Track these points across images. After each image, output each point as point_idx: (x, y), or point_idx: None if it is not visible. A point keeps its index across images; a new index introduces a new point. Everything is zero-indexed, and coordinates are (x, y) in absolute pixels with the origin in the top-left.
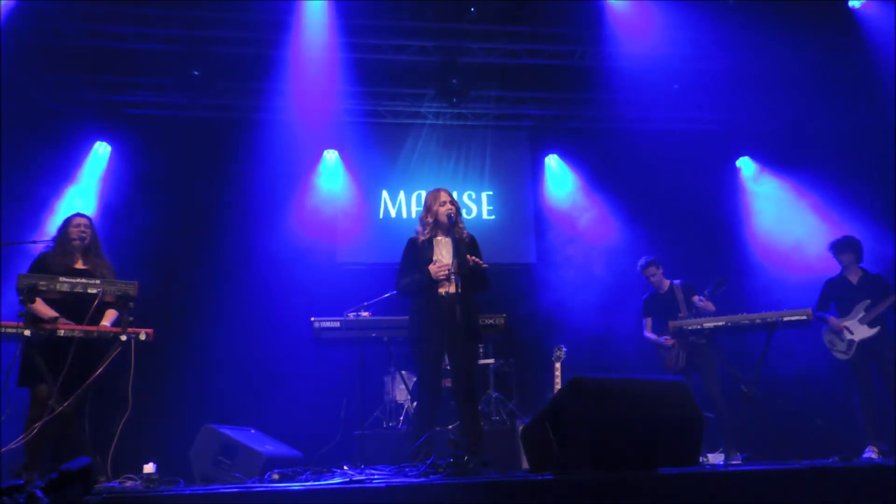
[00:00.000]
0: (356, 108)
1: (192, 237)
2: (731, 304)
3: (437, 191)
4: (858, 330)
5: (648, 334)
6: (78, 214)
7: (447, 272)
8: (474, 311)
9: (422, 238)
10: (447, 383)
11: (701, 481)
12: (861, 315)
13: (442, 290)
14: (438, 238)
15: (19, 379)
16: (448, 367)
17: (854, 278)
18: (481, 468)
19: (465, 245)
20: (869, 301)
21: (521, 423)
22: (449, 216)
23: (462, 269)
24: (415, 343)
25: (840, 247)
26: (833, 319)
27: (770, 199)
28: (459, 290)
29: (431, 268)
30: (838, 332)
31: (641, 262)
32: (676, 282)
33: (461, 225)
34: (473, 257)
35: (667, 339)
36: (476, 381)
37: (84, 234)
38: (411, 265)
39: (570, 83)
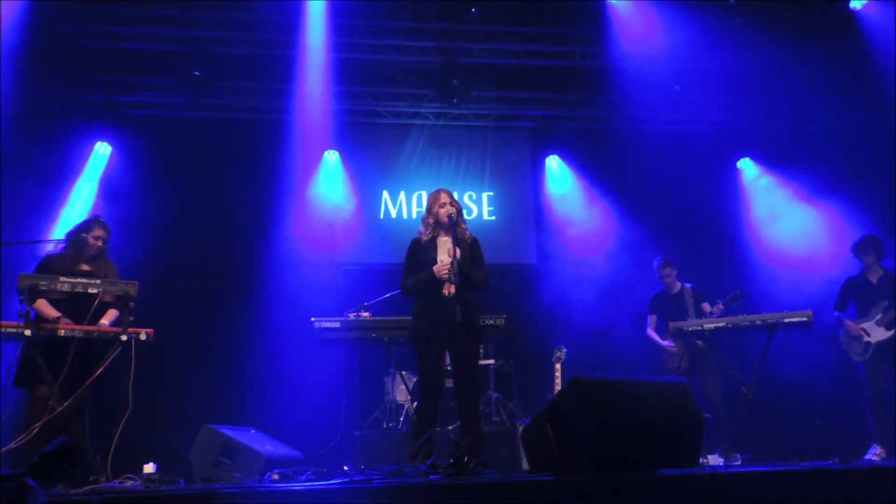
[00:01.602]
0: (357, 109)
1: (193, 237)
2: (707, 292)
3: (438, 192)
4: (875, 332)
5: (651, 333)
6: (99, 224)
7: (447, 271)
8: (475, 311)
9: (424, 238)
10: (448, 383)
11: (701, 482)
12: (879, 316)
13: (445, 291)
14: (441, 238)
15: (19, 379)
16: (449, 368)
17: (874, 278)
18: (481, 469)
19: (466, 246)
20: (887, 302)
21: (522, 423)
22: (449, 217)
23: (461, 268)
24: (417, 343)
25: (862, 246)
26: (850, 324)
27: (770, 201)
28: (459, 290)
29: (436, 267)
30: (856, 336)
31: (657, 261)
32: (688, 285)
33: (463, 225)
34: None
35: (672, 347)
36: (477, 382)
37: (100, 247)
38: (415, 265)
39: (570, 84)
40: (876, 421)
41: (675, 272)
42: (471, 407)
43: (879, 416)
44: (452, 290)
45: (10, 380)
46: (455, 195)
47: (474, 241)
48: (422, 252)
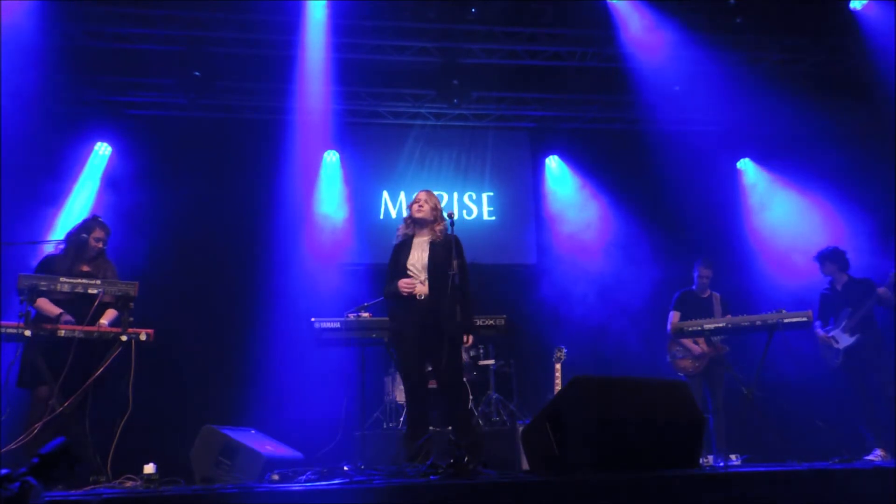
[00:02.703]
0: (357, 109)
1: (193, 238)
2: (733, 305)
3: (419, 192)
4: (842, 338)
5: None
6: (100, 225)
7: (412, 289)
8: (450, 314)
9: (399, 237)
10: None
11: (701, 482)
12: (844, 323)
13: (417, 295)
14: (417, 239)
15: (19, 380)
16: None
17: (840, 286)
18: (481, 469)
19: (439, 246)
20: (850, 309)
21: (522, 423)
22: (414, 214)
23: (437, 271)
24: (395, 345)
25: (820, 259)
26: (819, 332)
27: (770, 201)
28: (433, 293)
29: (401, 284)
30: (826, 344)
31: (700, 260)
32: (716, 293)
33: (437, 226)
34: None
35: (702, 348)
36: (460, 382)
37: (100, 248)
38: (392, 270)
39: (570, 84)
40: (871, 426)
41: (711, 276)
42: (457, 409)
43: (873, 419)
44: (426, 291)
45: (10, 380)
46: (454, 196)
47: (450, 242)
48: (396, 255)
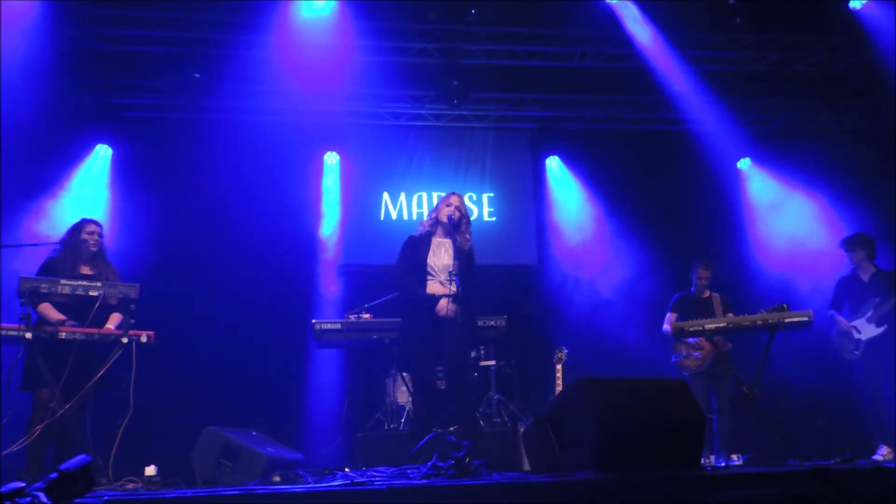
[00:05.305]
0: (357, 110)
1: (193, 239)
2: (735, 305)
3: (450, 193)
4: (866, 329)
5: (669, 329)
6: (91, 221)
7: (446, 310)
8: (470, 314)
9: (420, 231)
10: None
11: (702, 482)
12: (869, 314)
13: (439, 294)
14: (437, 239)
15: (23, 382)
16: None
17: (866, 276)
18: (482, 470)
19: (463, 254)
20: (878, 299)
21: (523, 424)
22: (450, 217)
23: (460, 272)
24: (409, 344)
25: (849, 244)
26: (841, 320)
27: (770, 200)
28: (456, 293)
29: (439, 307)
30: (847, 333)
31: (699, 261)
32: (716, 294)
33: (467, 235)
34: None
35: (703, 344)
36: (471, 383)
37: (97, 241)
38: (411, 264)
39: (571, 85)
40: (877, 421)
41: (709, 277)
42: (466, 409)
43: (881, 415)
44: (448, 292)
45: (11, 383)
46: (466, 201)
47: (471, 251)
48: (415, 248)
